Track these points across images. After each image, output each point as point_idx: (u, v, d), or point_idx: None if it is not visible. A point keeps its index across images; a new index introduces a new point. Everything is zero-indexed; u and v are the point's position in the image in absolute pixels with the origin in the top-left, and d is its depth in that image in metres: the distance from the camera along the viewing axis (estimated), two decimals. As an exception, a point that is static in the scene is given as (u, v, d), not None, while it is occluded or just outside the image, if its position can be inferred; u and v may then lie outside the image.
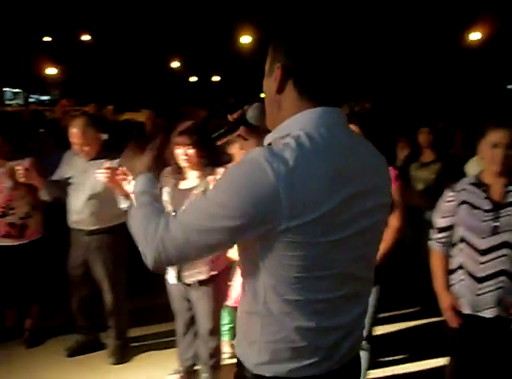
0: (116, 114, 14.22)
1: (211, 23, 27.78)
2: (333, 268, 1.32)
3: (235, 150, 3.83)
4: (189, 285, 3.30)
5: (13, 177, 3.76)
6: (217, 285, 3.33)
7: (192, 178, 3.26)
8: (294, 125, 1.33)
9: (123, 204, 2.75)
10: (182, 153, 3.18)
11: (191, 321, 3.49)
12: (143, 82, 29.78)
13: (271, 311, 1.35)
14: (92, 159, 3.77)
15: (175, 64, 31.39)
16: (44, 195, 3.82)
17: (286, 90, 1.36)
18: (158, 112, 8.88)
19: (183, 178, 3.29)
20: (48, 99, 30.36)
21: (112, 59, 29.97)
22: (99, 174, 2.86)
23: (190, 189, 3.21)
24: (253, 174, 1.22)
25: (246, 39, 27.14)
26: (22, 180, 3.67)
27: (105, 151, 3.78)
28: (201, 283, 3.27)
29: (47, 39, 28.81)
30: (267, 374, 1.40)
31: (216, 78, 36.47)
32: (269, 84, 1.40)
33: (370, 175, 1.37)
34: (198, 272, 3.26)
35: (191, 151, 3.18)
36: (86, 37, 31.20)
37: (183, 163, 3.23)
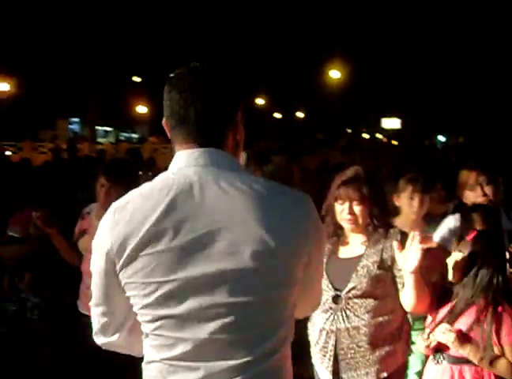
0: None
1: (296, 59, 27.56)
2: (171, 308, 1.29)
3: (403, 201, 2.95)
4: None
5: None
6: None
7: (355, 244, 2.40)
8: None
9: None
10: (347, 211, 2.33)
11: None
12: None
13: None
14: None
15: (260, 101, 31.21)
16: None
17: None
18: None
19: (343, 243, 2.43)
20: (137, 137, 30.89)
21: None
22: None
23: (356, 260, 2.34)
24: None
25: (334, 74, 26.56)
26: None
27: None
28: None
29: (136, 78, 29.48)
30: None
31: (300, 114, 36.03)
32: None
33: (220, 216, 1.26)
34: (364, 375, 2.37)
35: (359, 207, 2.33)
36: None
37: (346, 224, 2.37)
